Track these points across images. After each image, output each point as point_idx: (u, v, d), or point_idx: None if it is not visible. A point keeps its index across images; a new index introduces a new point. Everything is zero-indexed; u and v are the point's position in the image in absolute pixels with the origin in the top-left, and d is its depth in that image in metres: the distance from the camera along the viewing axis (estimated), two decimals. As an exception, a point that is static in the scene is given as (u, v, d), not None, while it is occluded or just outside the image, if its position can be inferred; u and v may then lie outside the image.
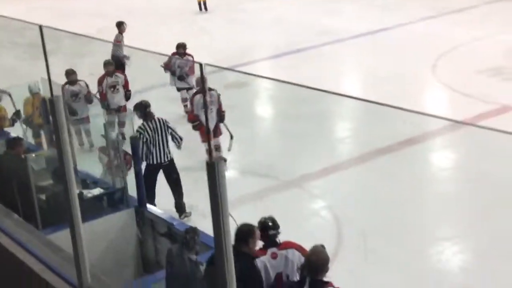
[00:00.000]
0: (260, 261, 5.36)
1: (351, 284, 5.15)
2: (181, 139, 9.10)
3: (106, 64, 11.87)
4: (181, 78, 12.66)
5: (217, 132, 10.19)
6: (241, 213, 6.87)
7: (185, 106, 12.54)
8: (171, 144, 8.95)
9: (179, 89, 12.87)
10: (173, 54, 12.78)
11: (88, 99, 11.44)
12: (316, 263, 4.82)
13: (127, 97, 11.76)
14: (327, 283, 4.84)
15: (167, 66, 12.77)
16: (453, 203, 8.80)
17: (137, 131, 8.82)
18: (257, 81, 14.80)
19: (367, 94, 13.31)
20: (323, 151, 10.84)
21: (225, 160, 9.82)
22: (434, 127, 11.14)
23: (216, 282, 2.96)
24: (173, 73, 12.76)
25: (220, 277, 2.92)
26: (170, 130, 9.01)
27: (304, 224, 8.43)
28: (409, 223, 8.11)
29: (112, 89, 11.70)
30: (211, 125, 9.91)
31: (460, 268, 7.42)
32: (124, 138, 10.48)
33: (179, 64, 12.56)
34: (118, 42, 14.14)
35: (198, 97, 10.11)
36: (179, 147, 9.10)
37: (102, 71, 11.69)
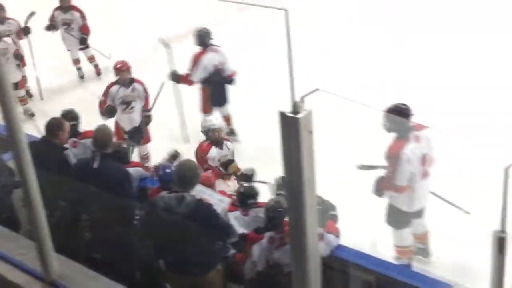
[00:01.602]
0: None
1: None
2: None
3: None
4: (83, 40, 9.10)
5: (140, 138, 7.01)
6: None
7: (79, 69, 9.57)
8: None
9: (69, 49, 9.39)
10: (56, 9, 9.05)
11: (18, 56, 8.18)
12: (102, 139, 4.87)
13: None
14: (113, 156, 4.91)
15: (53, 27, 9.08)
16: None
17: None
18: None
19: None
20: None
21: None
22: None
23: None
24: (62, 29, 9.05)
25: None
26: None
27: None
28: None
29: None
30: (130, 127, 6.97)
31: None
32: (32, 115, 8.36)
33: (64, 21, 9.01)
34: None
35: (115, 88, 6.89)
36: None
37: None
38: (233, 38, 9.71)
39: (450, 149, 5.48)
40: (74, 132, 5.45)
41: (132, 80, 6.88)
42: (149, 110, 6.95)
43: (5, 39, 8.05)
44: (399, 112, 5.09)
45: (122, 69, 6.85)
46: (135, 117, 6.93)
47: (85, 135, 5.47)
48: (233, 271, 4.56)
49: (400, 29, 9.78)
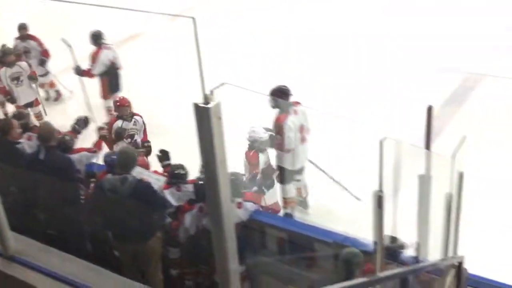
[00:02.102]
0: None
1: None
2: None
3: (3, 53, 7.40)
4: (42, 62, 8.24)
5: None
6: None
7: (47, 91, 8.64)
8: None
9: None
10: (16, 38, 8.19)
11: (32, 77, 7.47)
12: (45, 134, 4.75)
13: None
14: (58, 146, 4.79)
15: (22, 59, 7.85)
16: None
17: None
18: None
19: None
20: None
21: None
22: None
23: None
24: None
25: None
26: None
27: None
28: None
29: (15, 81, 7.42)
30: None
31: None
32: None
33: (24, 49, 8.06)
34: None
35: (119, 123, 6.06)
36: None
37: None
38: (161, 44, 9.64)
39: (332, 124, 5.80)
40: (27, 128, 5.26)
41: (133, 114, 6.15)
42: (148, 141, 6.16)
43: (20, 63, 7.47)
44: (281, 92, 5.49)
45: (124, 105, 6.12)
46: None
47: (35, 131, 5.30)
48: (170, 236, 4.53)
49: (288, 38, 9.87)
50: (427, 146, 3.77)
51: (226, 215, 2.14)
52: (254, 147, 5.46)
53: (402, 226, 3.91)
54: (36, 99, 7.72)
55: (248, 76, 7.52)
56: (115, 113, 7.59)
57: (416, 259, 3.87)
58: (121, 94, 7.60)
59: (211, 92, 1.99)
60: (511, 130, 6.82)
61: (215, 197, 2.11)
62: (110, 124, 6.09)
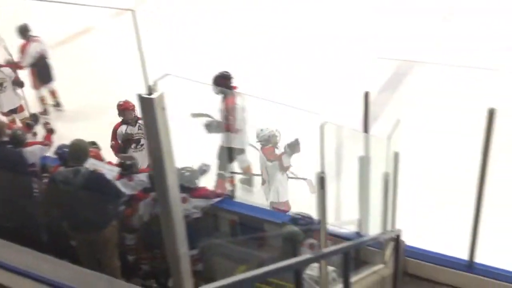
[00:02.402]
0: None
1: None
2: None
3: None
4: None
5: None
6: None
7: None
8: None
9: None
10: None
11: (17, 82, 6.88)
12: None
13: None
14: (9, 142, 4.61)
15: None
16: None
17: None
18: None
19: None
20: None
21: None
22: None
23: None
24: None
25: None
26: None
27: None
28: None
29: None
30: (144, 166, 5.29)
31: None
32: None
33: None
34: None
35: (123, 128, 5.54)
36: None
37: None
38: (111, 40, 9.33)
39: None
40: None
41: (137, 118, 5.49)
42: None
43: (3, 69, 6.85)
44: (223, 77, 5.57)
45: (129, 108, 5.49)
46: (146, 154, 5.37)
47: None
48: (125, 223, 4.42)
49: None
50: (366, 129, 3.81)
51: (174, 203, 2.07)
52: (270, 143, 5.25)
53: (345, 205, 3.96)
54: (21, 105, 7.07)
55: (198, 69, 7.43)
56: (49, 103, 7.38)
57: (358, 234, 3.92)
58: (53, 84, 7.64)
59: (155, 83, 1.91)
60: (440, 113, 7.02)
61: (162, 186, 2.03)
62: (114, 130, 5.50)
